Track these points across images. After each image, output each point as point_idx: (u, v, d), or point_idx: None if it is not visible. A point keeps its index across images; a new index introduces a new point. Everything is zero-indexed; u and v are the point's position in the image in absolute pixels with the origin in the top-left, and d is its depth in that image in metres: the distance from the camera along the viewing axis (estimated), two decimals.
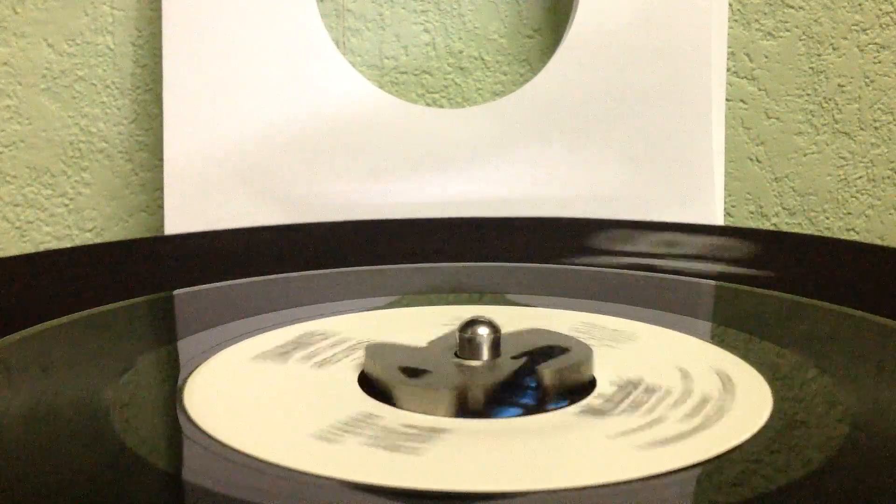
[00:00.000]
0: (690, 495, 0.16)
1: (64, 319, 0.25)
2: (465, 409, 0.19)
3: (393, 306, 0.28)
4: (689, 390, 0.20)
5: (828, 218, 0.47)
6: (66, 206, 0.47)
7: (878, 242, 0.47)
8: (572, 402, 0.20)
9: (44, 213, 0.47)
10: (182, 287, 0.29)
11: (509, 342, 0.21)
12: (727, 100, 0.46)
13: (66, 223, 0.47)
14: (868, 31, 0.46)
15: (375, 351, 0.21)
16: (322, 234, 0.40)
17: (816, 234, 0.48)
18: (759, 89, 0.47)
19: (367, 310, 0.27)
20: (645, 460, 0.17)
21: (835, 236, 0.47)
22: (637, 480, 0.16)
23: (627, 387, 0.20)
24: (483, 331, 0.21)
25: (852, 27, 0.46)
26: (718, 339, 0.24)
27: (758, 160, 0.47)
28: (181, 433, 0.18)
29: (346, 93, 0.44)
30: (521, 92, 0.44)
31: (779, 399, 0.20)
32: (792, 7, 0.46)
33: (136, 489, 0.16)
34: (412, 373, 0.20)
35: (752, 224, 0.48)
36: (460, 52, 0.47)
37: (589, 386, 0.20)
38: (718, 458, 0.17)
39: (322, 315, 0.26)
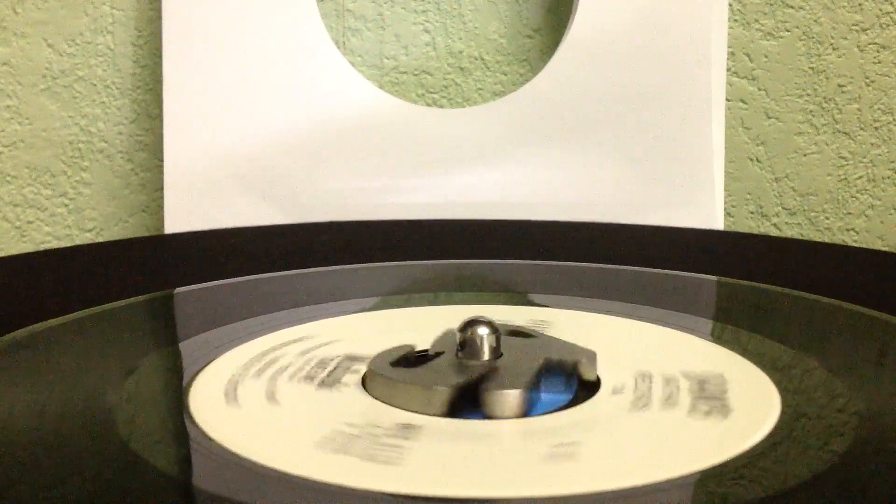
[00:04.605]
0: (716, 497, 0.16)
1: (67, 318, 0.25)
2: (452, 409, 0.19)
3: (396, 306, 0.28)
4: (690, 389, 0.20)
5: (828, 218, 0.47)
6: (66, 206, 0.47)
7: (878, 242, 0.47)
8: (578, 402, 0.20)
9: (44, 213, 0.47)
10: (184, 285, 0.29)
11: (515, 346, 0.21)
12: (727, 100, 0.46)
13: (66, 223, 0.47)
14: (868, 31, 0.46)
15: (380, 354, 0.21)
16: (320, 234, 0.40)
17: (816, 233, 0.48)
18: (759, 89, 0.47)
19: (371, 309, 0.27)
20: (655, 463, 0.17)
21: (835, 236, 0.48)
22: (651, 483, 0.16)
23: (633, 386, 0.20)
24: (483, 331, 0.21)
25: (852, 27, 0.46)
26: (717, 337, 0.24)
27: (758, 160, 0.47)
28: (187, 438, 0.18)
29: (345, 93, 0.44)
30: (521, 92, 0.44)
31: (785, 396, 0.20)
32: (792, 7, 0.46)
33: (140, 493, 0.16)
34: (410, 371, 0.20)
35: (752, 224, 0.48)
36: (460, 52, 0.47)
37: (594, 386, 0.20)
38: (737, 457, 0.17)
39: (324, 315, 0.26)
